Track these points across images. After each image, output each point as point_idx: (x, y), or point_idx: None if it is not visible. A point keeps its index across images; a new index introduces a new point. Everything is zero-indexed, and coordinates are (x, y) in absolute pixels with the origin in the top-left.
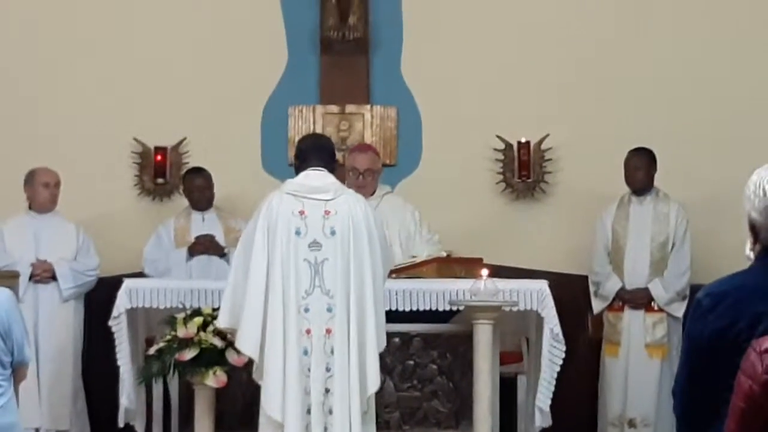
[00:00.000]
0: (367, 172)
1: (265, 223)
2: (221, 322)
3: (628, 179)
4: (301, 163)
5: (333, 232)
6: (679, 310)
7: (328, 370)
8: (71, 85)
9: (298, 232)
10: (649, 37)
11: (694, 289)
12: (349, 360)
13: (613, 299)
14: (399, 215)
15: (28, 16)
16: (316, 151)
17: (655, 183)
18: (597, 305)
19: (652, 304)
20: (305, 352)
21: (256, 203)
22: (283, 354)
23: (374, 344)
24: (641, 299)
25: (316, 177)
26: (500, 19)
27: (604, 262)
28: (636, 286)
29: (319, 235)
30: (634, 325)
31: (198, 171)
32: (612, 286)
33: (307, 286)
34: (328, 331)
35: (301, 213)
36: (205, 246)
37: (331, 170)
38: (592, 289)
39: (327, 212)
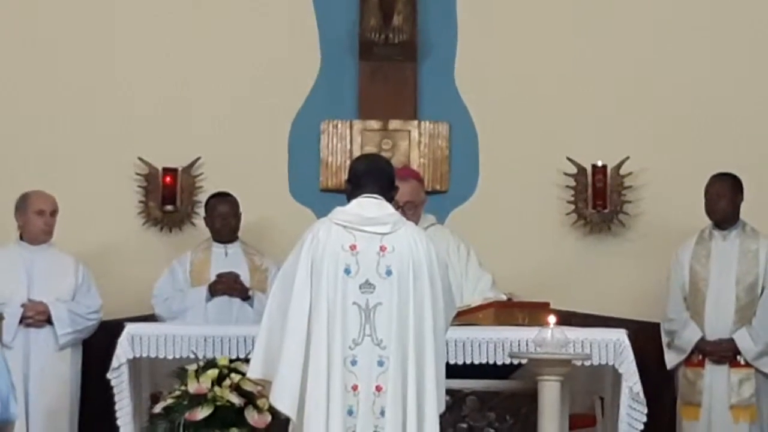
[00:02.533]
0: (407, 204)
1: (309, 257)
2: (253, 372)
3: (710, 209)
4: (354, 189)
5: (389, 272)
6: None
7: None
8: (69, 98)
9: (347, 271)
10: (744, 53)
11: None
12: (405, 424)
13: (692, 352)
14: (443, 251)
15: (26, 26)
16: (372, 176)
17: (742, 215)
18: (671, 359)
19: (738, 358)
20: (350, 413)
21: (282, 236)
22: (326, 414)
23: (434, 406)
24: (725, 352)
25: (372, 206)
26: (573, 21)
27: (680, 307)
28: (719, 336)
29: (373, 274)
30: (716, 382)
31: (223, 196)
32: (690, 336)
33: (356, 334)
34: (379, 389)
35: (353, 248)
36: (228, 285)
37: (390, 199)
38: (665, 339)
39: (383, 248)
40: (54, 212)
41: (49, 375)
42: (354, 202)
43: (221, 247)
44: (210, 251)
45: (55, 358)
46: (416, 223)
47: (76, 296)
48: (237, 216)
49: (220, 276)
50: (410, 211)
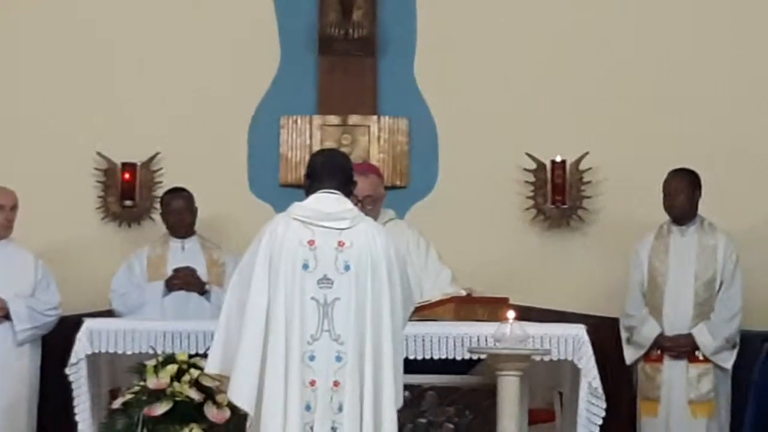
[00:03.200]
0: (367, 199)
1: (267, 252)
2: (210, 367)
3: (668, 204)
4: (312, 184)
5: (347, 268)
6: (729, 360)
7: (334, 429)
8: (28, 92)
9: (305, 266)
10: (701, 50)
11: (745, 335)
12: (362, 419)
13: (650, 348)
14: (402, 246)
15: None
16: (330, 171)
17: (699, 211)
18: (630, 354)
19: (697, 353)
20: (308, 408)
21: (241, 231)
22: (284, 409)
23: (392, 401)
24: (684, 347)
25: (330, 201)
26: (533, 18)
27: (639, 303)
28: (677, 331)
29: (331, 270)
30: (675, 378)
31: (178, 191)
32: (649, 331)
33: (314, 329)
34: (336, 384)
35: (311, 243)
36: (184, 281)
37: (348, 194)
38: (624, 335)
39: (341, 243)
40: (14, 207)
41: (7, 371)
42: (312, 197)
43: (178, 242)
44: (167, 246)
45: (13, 353)
46: (375, 217)
47: (36, 292)
48: (192, 211)
49: (176, 271)
50: (369, 205)
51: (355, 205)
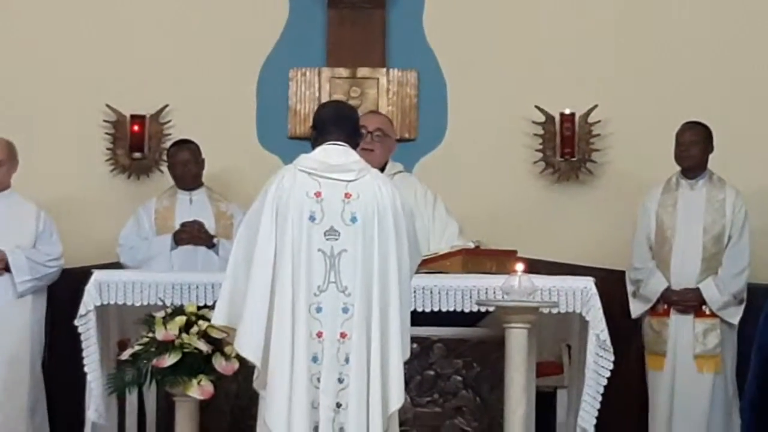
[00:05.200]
0: (377, 132)
1: (273, 204)
2: (217, 319)
3: (680, 156)
4: (318, 136)
5: (354, 219)
6: (735, 315)
7: (340, 381)
8: (31, 43)
9: (312, 218)
10: (713, 2)
11: (752, 290)
12: (369, 370)
13: (657, 301)
14: (410, 198)
15: None
16: (337, 122)
17: (709, 165)
18: (636, 308)
19: (704, 308)
20: (315, 359)
21: (249, 183)
22: (291, 361)
23: (398, 352)
24: (691, 302)
25: (337, 153)
26: None
27: (645, 256)
28: (684, 285)
29: (338, 221)
30: (681, 332)
31: (184, 143)
32: (655, 285)
33: (321, 281)
34: (343, 336)
35: (317, 195)
36: (192, 234)
37: (354, 146)
38: (630, 288)
39: (348, 195)
40: (11, 158)
41: (9, 323)
42: (319, 148)
43: (186, 194)
44: (175, 198)
45: (15, 305)
46: (384, 159)
47: (37, 244)
48: (198, 163)
49: (183, 225)
50: (378, 141)
51: (365, 136)
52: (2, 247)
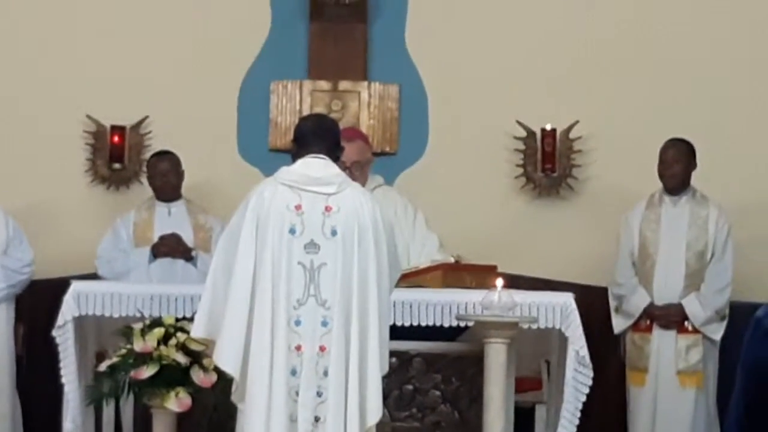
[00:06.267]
0: (354, 165)
1: (254, 216)
2: (196, 331)
3: (663, 173)
4: (299, 148)
5: (334, 233)
6: (718, 331)
7: (319, 395)
8: (11, 52)
9: (292, 231)
10: (695, 18)
11: (734, 307)
12: (347, 384)
13: (639, 317)
14: (390, 212)
15: None
16: (318, 135)
17: (692, 182)
18: (619, 323)
19: (686, 323)
20: (294, 373)
21: (229, 195)
22: (269, 374)
23: (377, 366)
24: (674, 317)
25: (317, 166)
26: None
27: (629, 272)
28: (667, 301)
29: (318, 235)
30: (664, 348)
31: (164, 154)
32: (638, 301)
33: (300, 294)
34: (322, 349)
35: (298, 208)
36: (170, 247)
37: (335, 159)
38: (612, 304)
39: (328, 208)
40: None
41: None
42: (299, 161)
43: (164, 206)
44: (153, 210)
45: None
46: (363, 183)
47: (8, 250)
48: (178, 174)
49: (162, 238)
50: (357, 171)
51: (343, 171)
52: None
